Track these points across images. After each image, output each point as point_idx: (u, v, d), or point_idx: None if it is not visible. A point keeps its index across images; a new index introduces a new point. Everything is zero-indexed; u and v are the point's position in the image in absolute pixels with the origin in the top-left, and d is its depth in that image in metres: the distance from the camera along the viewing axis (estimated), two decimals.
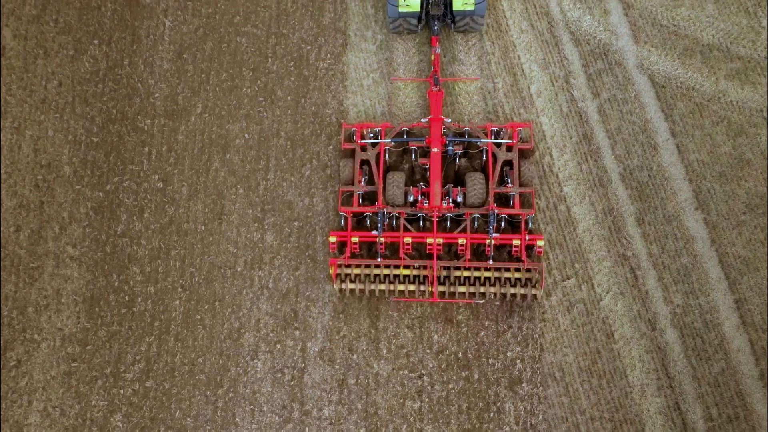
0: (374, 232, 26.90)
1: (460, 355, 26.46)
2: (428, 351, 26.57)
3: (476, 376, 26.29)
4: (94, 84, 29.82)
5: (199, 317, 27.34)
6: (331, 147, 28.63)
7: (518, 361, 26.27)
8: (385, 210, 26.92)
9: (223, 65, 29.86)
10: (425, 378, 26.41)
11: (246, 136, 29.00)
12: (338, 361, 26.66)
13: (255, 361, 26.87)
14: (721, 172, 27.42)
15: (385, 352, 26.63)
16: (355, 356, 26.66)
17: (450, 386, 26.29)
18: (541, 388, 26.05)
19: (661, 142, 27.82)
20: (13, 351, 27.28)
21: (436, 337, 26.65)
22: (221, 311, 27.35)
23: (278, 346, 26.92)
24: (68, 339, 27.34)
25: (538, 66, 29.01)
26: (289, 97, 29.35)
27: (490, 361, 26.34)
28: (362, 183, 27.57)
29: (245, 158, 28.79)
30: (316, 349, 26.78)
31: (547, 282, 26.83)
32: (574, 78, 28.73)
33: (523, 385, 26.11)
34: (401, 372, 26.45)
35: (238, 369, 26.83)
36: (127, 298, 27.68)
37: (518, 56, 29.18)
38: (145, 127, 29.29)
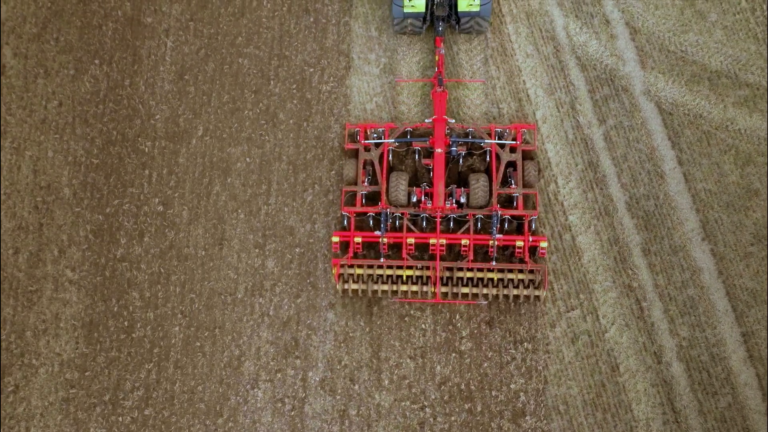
0: (377, 233, 26.74)
1: (462, 386, 26.15)
2: (431, 382, 26.26)
3: (479, 409, 25.98)
4: (95, 104, 29.51)
5: (199, 344, 27.04)
6: (333, 172, 28.30)
7: (522, 393, 25.95)
8: (388, 210, 26.81)
9: (224, 87, 29.54)
10: (427, 410, 26.10)
11: (247, 159, 28.68)
12: (339, 391, 26.35)
13: (255, 390, 26.57)
14: (728, 201, 27.08)
15: (387, 382, 26.32)
16: (356, 386, 26.36)
17: (452, 418, 25.98)
18: (545, 421, 25.74)
19: (667, 171, 27.47)
20: (11, 376, 27.00)
21: (438, 367, 26.34)
22: (221, 338, 27.04)
23: (279, 375, 26.62)
24: (67, 364, 27.04)
25: (543, 91, 28.66)
26: (291, 121, 29.03)
27: (494, 393, 26.03)
28: (365, 183, 27.40)
29: (246, 182, 28.47)
30: (317, 379, 26.48)
31: (552, 313, 26.51)
32: (580, 104, 28.39)
33: (526, 418, 25.79)
34: (403, 403, 26.15)
35: (238, 398, 26.53)
36: (126, 323, 27.38)
37: (524, 81, 28.83)
38: (146, 149, 28.97)
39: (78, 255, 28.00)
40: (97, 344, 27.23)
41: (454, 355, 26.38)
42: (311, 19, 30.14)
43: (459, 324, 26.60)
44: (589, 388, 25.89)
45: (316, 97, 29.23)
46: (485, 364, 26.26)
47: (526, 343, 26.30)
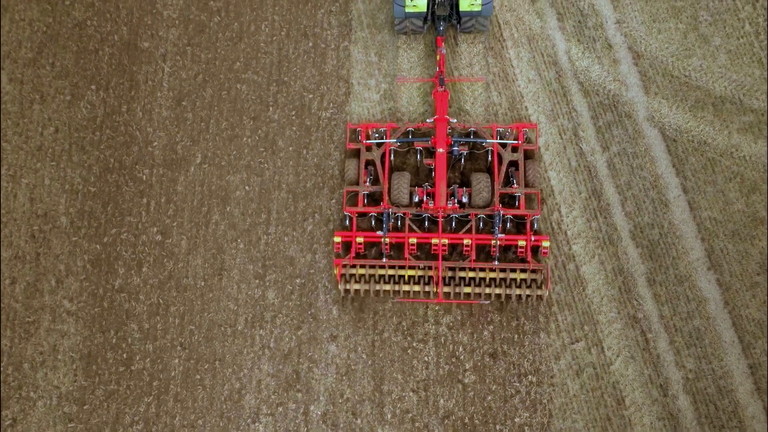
0: (379, 233, 26.66)
1: (466, 420, 25.85)
2: (434, 416, 25.95)
3: None
4: (92, 131, 29.16)
5: (198, 377, 26.72)
6: (333, 201, 27.97)
7: (526, 427, 25.66)
8: (390, 210, 26.71)
9: (223, 113, 29.19)
10: None
11: (246, 188, 28.35)
12: (342, 425, 26.05)
13: (256, 423, 26.25)
14: (734, 230, 26.78)
15: (389, 416, 26.01)
16: (358, 420, 26.06)
17: None
18: None
19: (672, 199, 27.17)
20: (8, 409, 26.67)
21: (442, 401, 26.03)
22: (221, 371, 26.72)
23: (280, 408, 26.30)
24: (65, 397, 26.72)
25: (546, 118, 28.34)
26: (290, 148, 28.69)
27: (498, 426, 25.73)
28: (367, 183, 27.33)
29: (245, 211, 28.13)
30: (319, 413, 26.17)
31: (556, 345, 26.21)
32: (583, 131, 28.08)
33: None
34: None
35: None
36: (125, 355, 27.05)
37: (526, 107, 28.52)
38: (144, 177, 28.63)
39: (76, 285, 27.66)
40: (95, 377, 26.90)
41: (457, 387, 26.07)
42: (310, 44, 29.79)
43: (462, 356, 26.30)
44: (594, 421, 25.60)
45: (315, 123, 28.90)
46: (489, 397, 25.96)
47: (530, 376, 26.00)
